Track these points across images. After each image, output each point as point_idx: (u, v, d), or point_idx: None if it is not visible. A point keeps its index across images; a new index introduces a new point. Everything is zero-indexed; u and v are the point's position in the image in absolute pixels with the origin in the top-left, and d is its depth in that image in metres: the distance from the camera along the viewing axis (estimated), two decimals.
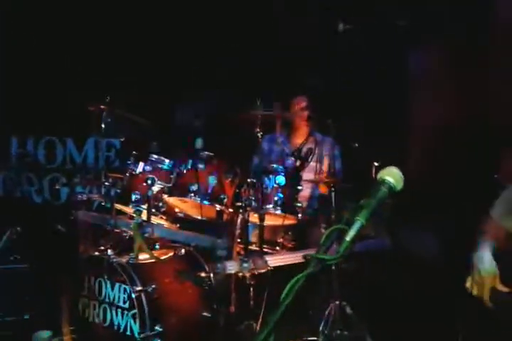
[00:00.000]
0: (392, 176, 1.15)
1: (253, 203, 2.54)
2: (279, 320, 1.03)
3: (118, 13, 4.28)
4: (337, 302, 2.87)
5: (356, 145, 2.94)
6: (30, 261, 3.47)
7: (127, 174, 2.90)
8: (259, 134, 2.56)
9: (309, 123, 3.67)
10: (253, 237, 2.87)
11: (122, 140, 3.36)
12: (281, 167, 2.71)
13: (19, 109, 4.38)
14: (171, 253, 2.84)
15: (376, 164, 2.99)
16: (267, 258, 2.58)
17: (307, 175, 3.47)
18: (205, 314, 2.65)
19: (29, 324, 3.09)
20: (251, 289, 2.72)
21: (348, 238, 1.06)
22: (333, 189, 2.93)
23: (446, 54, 4.07)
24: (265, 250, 2.77)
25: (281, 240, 2.93)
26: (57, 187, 4.36)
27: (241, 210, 2.65)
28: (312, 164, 3.54)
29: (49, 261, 3.48)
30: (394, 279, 3.15)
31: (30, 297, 3.23)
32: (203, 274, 2.72)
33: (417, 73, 4.24)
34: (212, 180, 2.70)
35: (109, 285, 2.58)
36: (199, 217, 2.80)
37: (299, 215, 2.75)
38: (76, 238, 3.24)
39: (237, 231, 2.72)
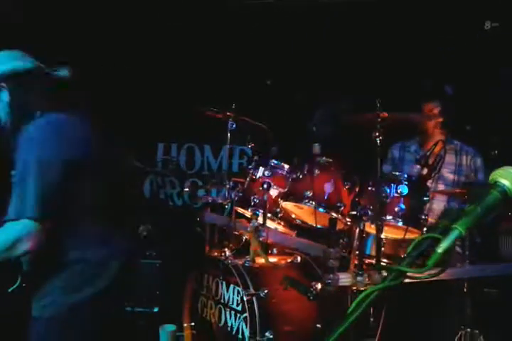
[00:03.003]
0: (507, 178, 0.95)
1: (369, 213, 2.38)
2: (341, 335, 0.92)
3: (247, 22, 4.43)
4: (468, 330, 2.55)
5: (496, 152, 2.57)
6: (165, 258, 3.75)
7: (248, 178, 2.97)
8: (377, 139, 2.39)
9: (444, 131, 3.36)
10: (373, 250, 2.69)
11: (251, 146, 3.44)
12: (404, 175, 2.50)
13: (165, 118, 4.79)
14: (288, 260, 2.82)
15: None
16: (385, 273, 2.38)
17: (440, 186, 3.17)
18: (318, 326, 2.56)
19: (157, 316, 3.33)
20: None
21: (439, 250, 0.90)
22: (465, 201, 2.61)
23: None
24: (383, 265, 2.57)
25: (404, 255, 2.69)
26: (185, 189, 4.64)
27: (357, 220, 2.50)
28: (448, 175, 3.23)
29: (182, 260, 3.72)
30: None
31: (160, 291, 3.48)
32: (318, 285, 2.64)
33: None
34: (328, 187, 2.61)
35: (224, 286, 2.64)
36: (314, 225, 2.72)
37: (425, 229, 2.50)
38: (205, 239, 3.41)
39: (355, 243, 2.58)
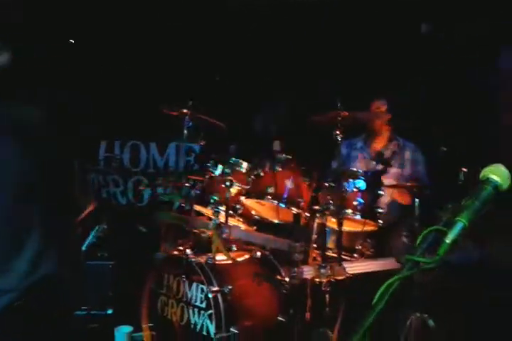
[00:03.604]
0: (497, 174, 1.05)
1: (331, 207, 2.48)
2: (371, 325, 0.97)
3: (198, 17, 4.39)
4: (418, 314, 2.72)
5: (445, 149, 2.77)
6: (116, 258, 3.64)
7: (207, 176, 2.97)
8: (338, 137, 2.49)
9: (390, 128, 3.55)
10: (330, 243, 2.80)
11: (202, 144, 3.43)
12: (361, 171, 2.63)
13: (108, 114, 4.63)
14: (247, 256, 2.85)
15: (464, 170, 2.81)
16: (345, 265, 2.50)
17: (388, 181, 3.34)
18: (280, 318, 2.62)
19: (112, 318, 3.24)
20: (327, 296, 2.66)
21: (448, 240, 0.98)
22: (417, 195, 2.78)
23: None
24: (343, 257, 2.69)
25: (359, 247, 2.83)
26: (141, 188, 4.54)
27: (318, 214, 2.59)
28: (393, 170, 3.41)
29: (132, 260, 3.64)
30: (481, 292, 2.93)
31: (114, 293, 3.38)
32: (278, 278, 2.70)
33: (507, 73, 3.96)
34: (289, 183, 2.67)
35: (186, 285, 2.63)
36: (276, 220, 2.78)
37: (380, 221, 2.64)
38: (157, 238, 3.36)
39: (314, 236, 2.67)
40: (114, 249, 3.64)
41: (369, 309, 0.98)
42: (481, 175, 1.09)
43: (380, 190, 2.68)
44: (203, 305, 2.52)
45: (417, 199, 2.86)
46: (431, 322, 2.68)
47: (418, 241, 1.03)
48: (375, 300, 0.98)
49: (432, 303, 2.76)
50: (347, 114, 2.51)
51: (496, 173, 1.06)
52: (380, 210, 2.65)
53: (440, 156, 2.92)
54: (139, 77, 4.47)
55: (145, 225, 4.28)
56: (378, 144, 3.43)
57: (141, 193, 4.89)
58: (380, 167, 2.63)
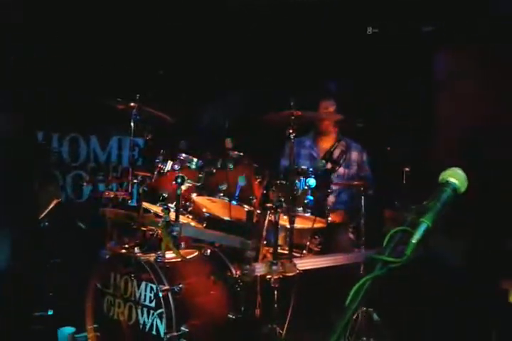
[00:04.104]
0: (456, 177, 1.11)
1: (283, 205, 2.50)
2: (346, 326, 0.99)
3: (146, 10, 4.27)
4: (363, 309, 2.83)
5: (389, 148, 2.89)
6: (57, 256, 3.49)
7: (155, 172, 2.90)
8: (291, 136, 2.52)
9: (337, 128, 3.64)
10: (280, 240, 2.83)
11: (148, 138, 3.34)
12: (311, 169, 2.68)
13: (45, 105, 4.40)
14: (197, 253, 2.83)
15: (407, 169, 2.94)
16: (296, 261, 2.54)
17: (335, 180, 3.43)
18: (230, 316, 2.63)
19: (54, 320, 3.10)
20: (276, 292, 2.69)
21: (413, 240, 1.02)
22: (363, 194, 2.88)
23: (473, 54, 4.00)
24: (293, 253, 2.73)
25: (308, 243, 2.89)
26: (84, 184, 4.36)
27: (269, 212, 2.62)
28: (340, 170, 3.50)
29: (74, 258, 3.49)
30: (423, 286, 3.09)
31: (54, 293, 3.24)
32: (229, 275, 2.70)
33: (443, 74, 4.18)
34: (241, 181, 2.67)
35: (135, 284, 2.56)
36: (227, 218, 2.78)
37: (329, 219, 2.71)
38: (100, 235, 3.24)
39: (264, 233, 2.69)
40: (55, 247, 3.48)
41: (342, 309, 1.01)
42: (440, 177, 1.14)
43: (330, 188, 2.75)
44: (153, 305, 2.47)
45: (362, 197, 2.97)
46: (375, 316, 2.79)
47: (385, 241, 1.06)
48: (348, 301, 1.00)
49: (377, 297, 2.87)
50: (300, 113, 2.55)
51: (454, 176, 1.13)
52: (328, 207, 2.72)
53: (385, 156, 3.03)
54: (83, 68, 4.28)
55: (85, 222, 4.13)
56: (326, 143, 3.51)
57: (82, 189, 4.70)
58: (329, 165, 2.69)
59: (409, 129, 3.63)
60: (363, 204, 2.90)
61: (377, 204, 3.07)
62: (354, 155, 3.56)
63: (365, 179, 3.10)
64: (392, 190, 3.04)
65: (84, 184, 4.33)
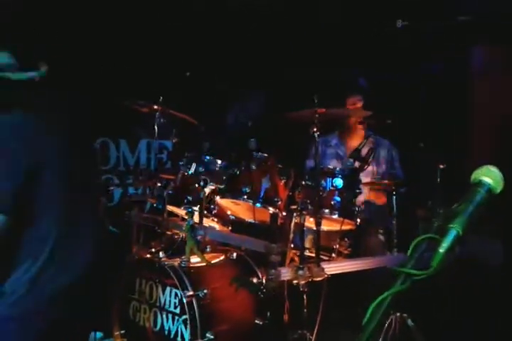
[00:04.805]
0: (490, 176, 0.99)
1: (309, 207, 2.40)
2: None
3: (169, 10, 4.24)
4: (398, 314, 2.69)
5: (422, 145, 2.73)
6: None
7: (179, 175, 2.85)
8: (316, 134, 2.42)
9: (365, 125, 3.50)
10: (307, 243, 2.74)
11: (175, 141, 3.30)
12: (338, 169, 2.56)
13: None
14: (222, 257, 2.76)
15: (441, 167, 2.78)
16: (324, 265, 2.43)
17: (364, 179, 3.30)
18: (257, 321, 2.55)
19: (81, 324, 3.08)
20: (304, 297, 2.60)
21: (441, 249, 0.90)
22: (394, 193, 2.75)
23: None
24: (321, 257, 2.63)
25: (337, 246, 2.77)
26: (111, 188, 4.38)
27: (295, 214, 2.52)
28: (369, 168, 3.36)
29: (102, 262, 3.48)
30: (460, 290, 2.92)
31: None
32: (254, 280, 2.63)
33: (479, 68, 3.97)
34: (265, 182, 2.59)
35: (160, 289, 2.52)
36: (252, 221, 2.70)
37: (358, 220, 2.59)
38: (128, 239, 3.22)
39: (291, 236, 2.60)
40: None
41: (360, 329, 0.91)
42: (472, 177, 1.02)
43: (358, 188, 2.62)
44: (177, 311, 2.43)
45: (393, 197, 2.83)
46: (410, 322, 2.65)
47: (410, 251, 0.95)
48: (365, 319, 0.90)
49: (411, 302, 2.73)
50: (324, 110, 2.44)
51: (488, 175, 1.00)
52: (357, 209, 2.60)
53: (417, 153, 2.88)
54: (105, 71, 4.29)
55: (116, 226, 4.14)
56: (354, 141, 3.38)
57: (111, 192, 4.72)
58: (357, 164, 2.57)
59: (445, 124, 3.44)
60: (394, 204, 2.76)
61: (409, 204, 2.92)
62: (383, 152, 3.42)
63: (395, 177, 2.95)
64: (425, 188, 2.88)
65: (112, 188, 4.33)
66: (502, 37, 3.73)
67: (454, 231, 0.92)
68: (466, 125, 3.74)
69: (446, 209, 0.98)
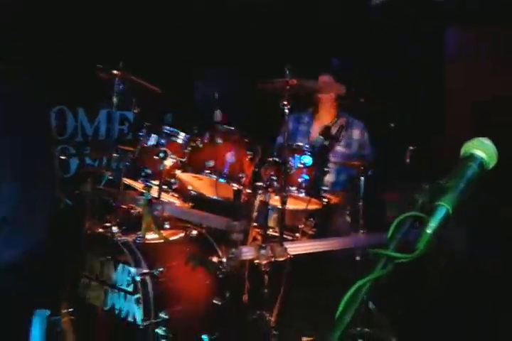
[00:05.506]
0: (482, 150, 0.87)
1: (275, 184, 2.28)
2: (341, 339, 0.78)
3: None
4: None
5: (393, 125, 2.64)
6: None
7: (138, 147, 2.67)
8: (285, 108, 2.28)
9: (337, 103, 3.39)
10: (271, 221, 2.63)
11: (136, 111, 3.10)
12: (307, 146, 2.44)
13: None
14: (182, 234, 2.63)
15: (411, 148, 2.71)
16: (287, 245, 2.33)
17: (333, 159, 3.21)
18: (215, 302, 2.44)
19: (27, 300, 2.91)
20: (266, 277, 2.51)
21: (429, 230, 0.79)
22: (362, 174, 2.66)
23: (486, 33, 3.74)
24: (284, 236, 2.52)
25: (302, 226, 2.68)
26: (62, 157, 4.13)
27: (260, 191, 2.40)
28: (339, 149, 3.27)
29: (55, 238, 3.29)
30: (420, 275, 2.90)
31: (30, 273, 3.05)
32: (214, 259, 2.51)
33: (453, 51, 3.91)
34: (230, 157, 2.44)
35: (112, 266, 2.36)
36: (214, 197, 2.56)
37: (324, 200, 2.49)
38: (82, 213, 3.03)
39: (255, 214, 2.48)
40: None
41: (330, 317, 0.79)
42: (463, 150, 0.91)
43: (327, 166, 2.52)
44: (130, 289, 2.28)
45: (362, 178, 2.75)
46: (371, 305, 2.60)
47: (390, 232, 0.84)
48: (340, 310, 0.78)
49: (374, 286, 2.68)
50: (295, 82, 2.29)
51: (480, 148, 0.89)
52: (325, 188, 2.49)
53: (388, 133, 2.79)
54: (64, 36, 3.98)
55: (71, 198, 3.92)
56: (325, 120, 3.26)
57: (67, 163, 4.47)
58: (327, 142, 2.46)
59: (416, 105, 3.37)
60: (362, 185, 2.68)
61: (377, 186, 2.85)
62: (355, 133, 3.32)
63: (366, 159, 2.86)
64: (394, 170, 2.81)
65: (62, 157, 4.09)
66: (476, 19, 3.68)
67: (443, 208, 0.80)
68: (439, 109, 3.68)
69: (433, 184, 0.86)
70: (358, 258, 2.65)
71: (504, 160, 0.93)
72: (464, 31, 3.93)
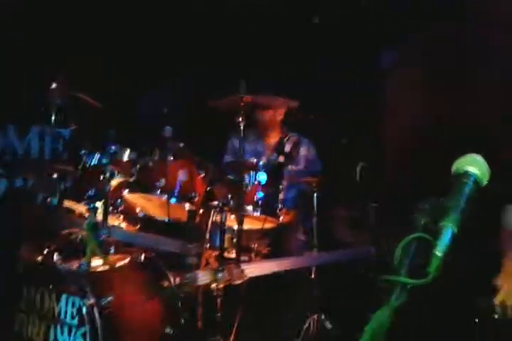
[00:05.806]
0: (476, 166, 0.85)
1: (231, 203, 2.19)
2: None
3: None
4: (315, 316, 2.58)
5: (345, 141, 2.65)
6: None
7: (79, 167, 2.48)
8: (241, 124, 2.21)
9: (282, 120, 3.36)
10: (226, 242, 2.52)
11: (73, 128, 2.90)
12: (262, 163, 2.38)
13: None
14: (128, 259, 2.45)
15: (362, 164, 2.72)
16: (244, 266, 2.23)
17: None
18: (168, 331, 2.28)
19: None
20: (218, 302, 2.39)
21: (439, 252, 0.74)
22: (315, 192, 2.63)
23: (423, 52, 3.90)
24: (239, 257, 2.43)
25: (255, 246, 2.59)
26: None
27: (214, 211, 2.30)
28: (288, 166, 3.23)
29: None
30: (379, 291, 2.89)
31: None
32: (165, 284, 2.36)
33: (392, 72, 4.05)
34: (182, 175, 2.33)
35: (53, 297, 2.15)
36: (165, 219, 2.41)
37: (280, 218, 2.43)
38: (16, 239, 2.77)
39: (207, 235, 2.37)
40: None
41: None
42: (455, 167, 0.88)
43: (281, 183, 2.47)
44: (75, 322, 2.08)
45: (314, 196, 2.72)
46: (328, 325, 2.55)
47: (397, 256, 0.78)
48: None
49: (329, 303, 2.64)
50: (250, 99, 2.24)
51: (473, 165, 0.86)
52: (279, 206, 2.44)
53: (339, 150, 2.80)
54: None
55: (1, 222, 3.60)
56: (273, 138, 3.21)
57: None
58: (281, 159, 2.41)
59: (364, 121, 3.42)
60: (315, 202, 2.65)
61: (329, 203, 2.83)
62: (302, 150, 3.30)
63: (315, 175, 2.84)
64: (345, 187, 2.81)
65: None
66: (409, 37, 3.82)
67: (449, 229, 0.76)
68: (378, 125, 3.76)
69: (431, 203, 0.82)
70: (312, 276, 2.61)
71: None
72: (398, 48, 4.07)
